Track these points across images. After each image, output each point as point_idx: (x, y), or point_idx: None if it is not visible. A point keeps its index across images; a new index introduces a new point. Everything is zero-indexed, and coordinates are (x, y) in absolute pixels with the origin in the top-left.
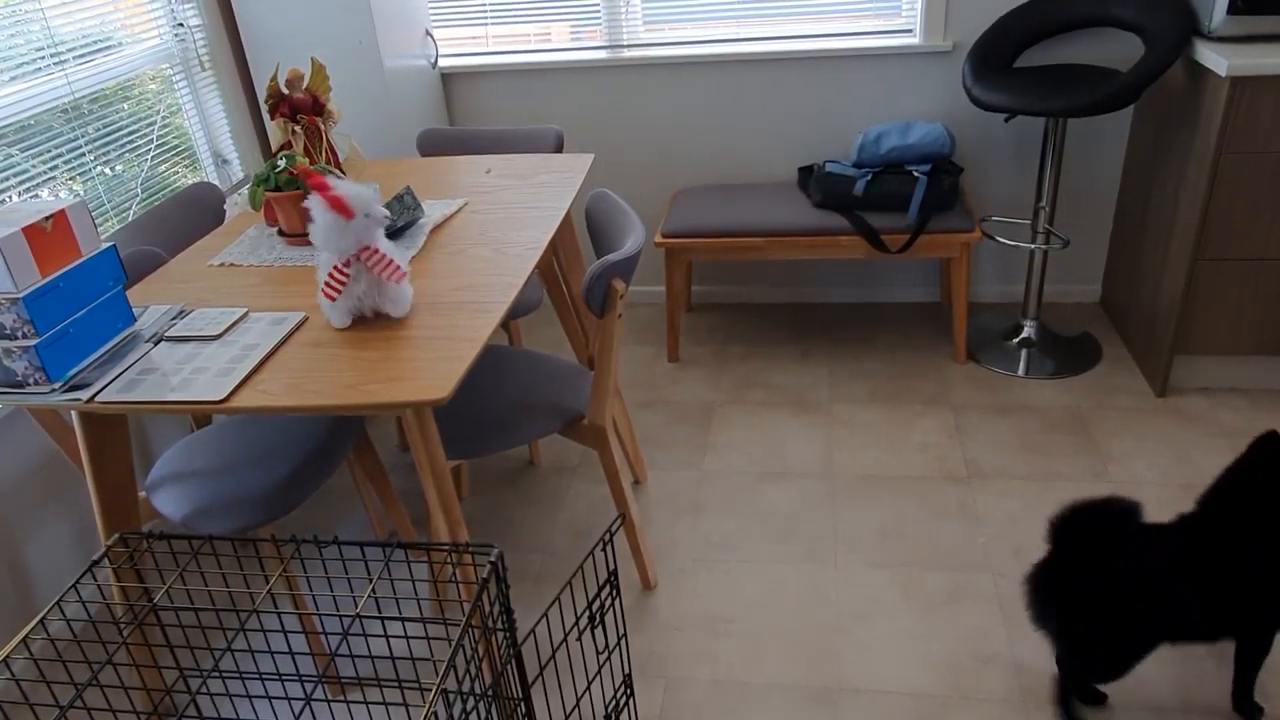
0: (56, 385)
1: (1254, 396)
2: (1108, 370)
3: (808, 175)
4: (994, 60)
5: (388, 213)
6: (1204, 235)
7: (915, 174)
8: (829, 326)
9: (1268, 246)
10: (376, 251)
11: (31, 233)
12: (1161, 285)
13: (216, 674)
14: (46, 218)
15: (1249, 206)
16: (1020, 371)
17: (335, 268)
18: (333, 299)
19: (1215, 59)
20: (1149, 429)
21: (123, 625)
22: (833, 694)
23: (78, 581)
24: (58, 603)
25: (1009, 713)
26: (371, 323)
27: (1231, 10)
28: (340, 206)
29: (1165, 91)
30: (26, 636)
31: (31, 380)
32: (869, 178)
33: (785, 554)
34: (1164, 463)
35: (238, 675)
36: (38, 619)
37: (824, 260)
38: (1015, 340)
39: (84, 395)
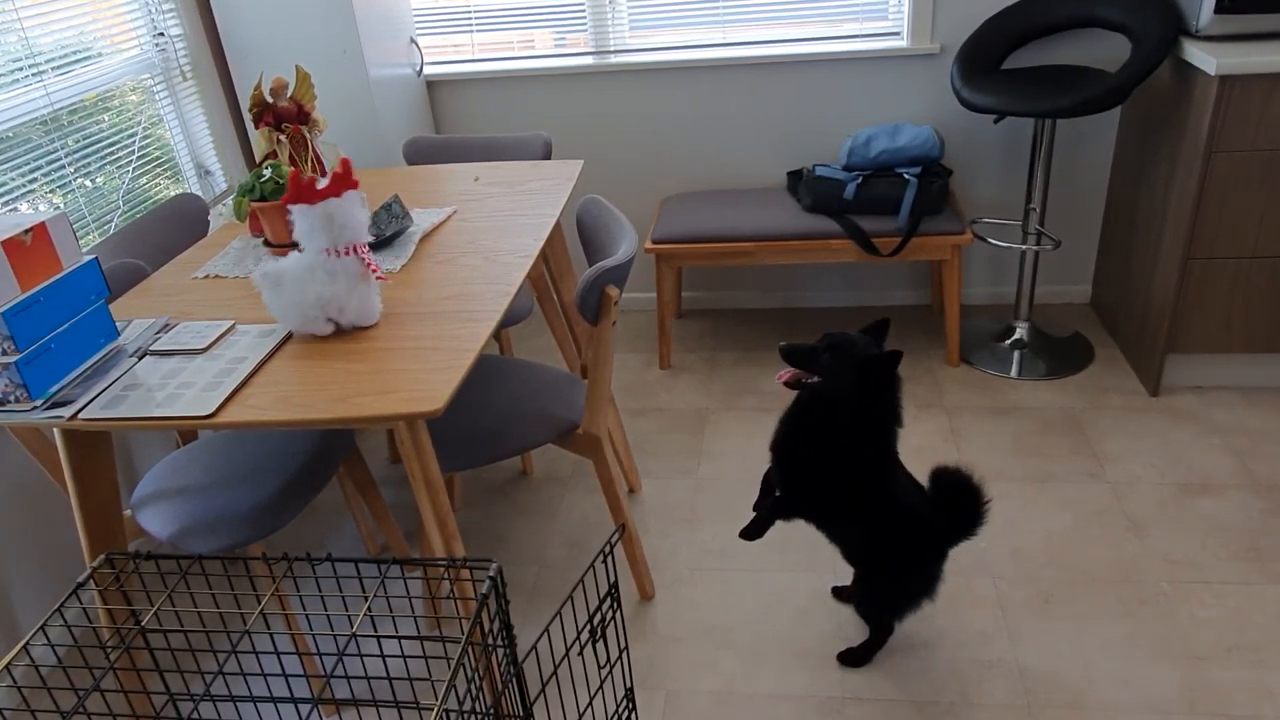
0: (38, 403)
1: (1247, 394)
2: (1100, 370)
3: (797, 179)
4: (982, 62)
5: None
6: (1194, 234)
7: (905, 177)
8: (820, 331)
9: (1258, 245)
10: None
11: (11, 246)
12: (1152, 285)
13: (208, 698)
14: (26, 231)
15: (1239, 205)
16: (1013, 373)
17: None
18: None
19: (1204, 58)
20: (1143, 428)
21: (109, 649)
22: (836, 703)
23: (62, 604)
24: (42, 627)
25: (1013, 717)
26: (360, 334)
27: (1219, 9)
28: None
29: (1153, 91)
30: (9, 663)
31: (12, 398)
32: (859, 181)
33: (784, 562)
34: (1160, 462)
35: (230, 699)
36: (21, 644)
37: (814, 264)
38: (1007, 342)
39: (66, 413)
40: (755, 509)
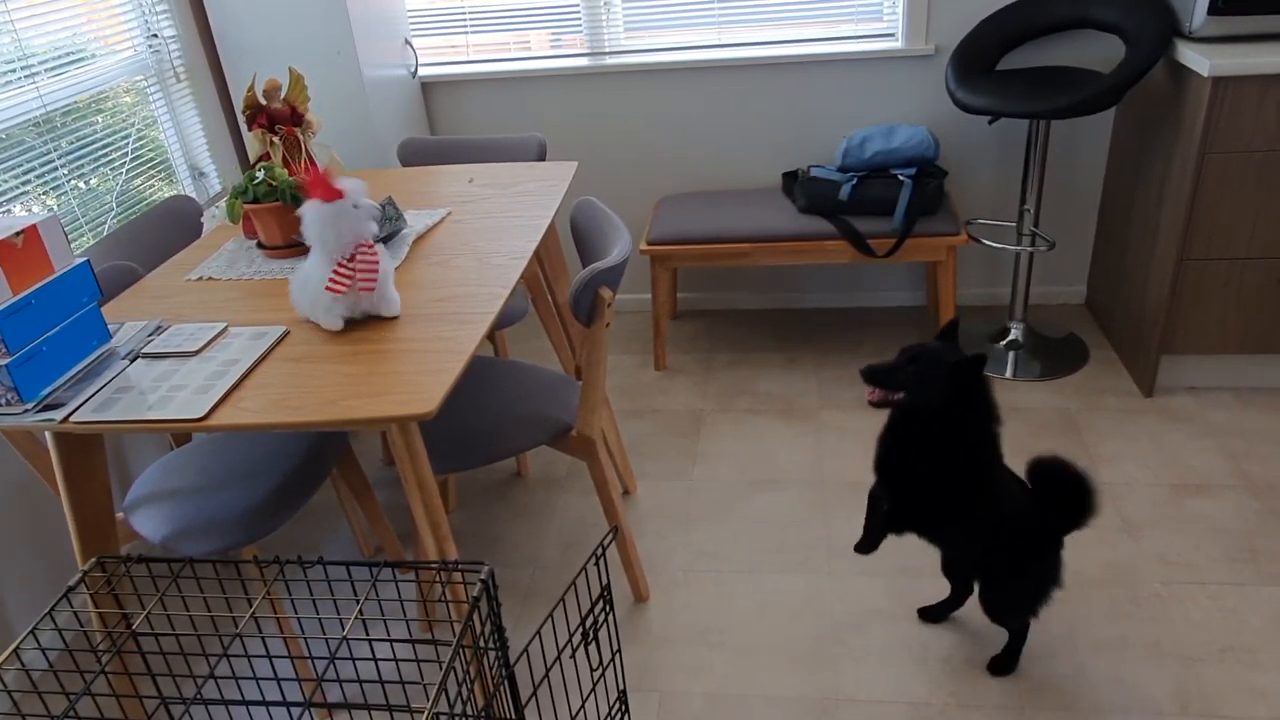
0: (29, 405)
1: (1241, 395)
2: (1095, 371)
3: (792, 180)
4: (977, 63)
5: (375, 205)
6: (1189, 235)
7: (900, 178)
8: (816, 332)
9: (1251, 246)
10: (372, 248)
11: (2, 249)
12: (1147, 286)
13: (200, 701)
14: (17, 233)
15: (1233, 206)
16: (1008, 374)
17: (339, 262)
18: (344, 291)
19: (1197, 59)
20: (1138, 429)
21: (101, 653)
22: (830, 705)
23: (53, 608)
24: (32, 631)
25: (1007, 719)
26: (355, 335)
27: (1212, 11)
28: (327, 188)
29: (1147, 92)
30: (0, 666)
31: (3, 401)
32: (854, 182)
33: (778, 563)
34: (1154, 463)
35: (222, 702)
36: (11, 648)
37: (810, 266)
38: (1002, 343)
39: (58, 415)
40: (866, 528)
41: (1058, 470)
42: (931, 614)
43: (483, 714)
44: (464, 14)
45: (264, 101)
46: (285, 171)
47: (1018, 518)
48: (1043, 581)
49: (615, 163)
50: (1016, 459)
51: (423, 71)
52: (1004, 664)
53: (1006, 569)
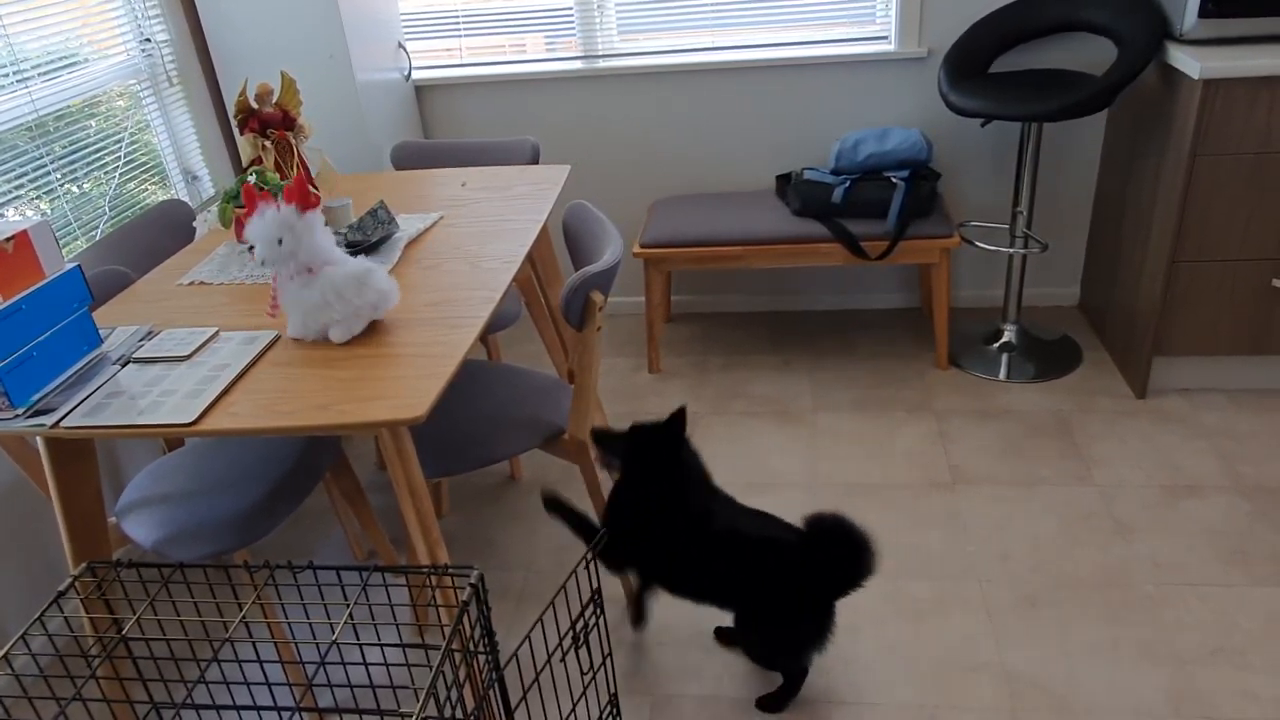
0: (20, 411)
1: (1234, 396)
2: (1088, 373)
3: (786, 183)
4: (969, 66)
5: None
6: (1180, 237)
7: (893, 180)
8: (810, 335)
9: (1243, 247)
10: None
11: None
12: (1139, 287)
13: (190, 706)
14: (7, 239)
15: (1224, 208)
16: (1001, 376)
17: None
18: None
19: (1188, 62)
20: (1131, 431)
21: (91, 658)
22: (821, 708)
23: (43, 613)
24: (22, 636)
25: None
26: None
27: (1203, 13)
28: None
29: (1139, 95)
30: None
31: None
32: (847, 185)
33: None
34: (1147, 465)
35: (213, 707)
36: (1, 654)
37: (803, 268)
38: (996, 345)
39: (49, 420)
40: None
41: (832, 528)
42: (730, 636)
43: (472, 717)
44: (457, 18)
45: (255, 106)
46: (277, 176)
47: (767, 568)
48: (804, 638)
49: (609, 166)
50: (1009, 461)
51: (416, 75)
52: (770, 703)
53: (763, 612)
